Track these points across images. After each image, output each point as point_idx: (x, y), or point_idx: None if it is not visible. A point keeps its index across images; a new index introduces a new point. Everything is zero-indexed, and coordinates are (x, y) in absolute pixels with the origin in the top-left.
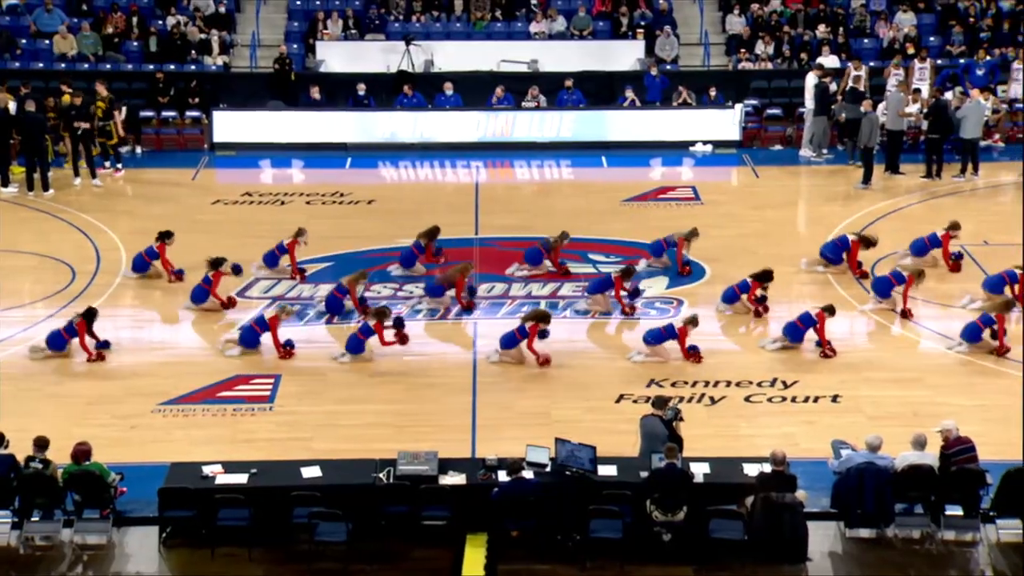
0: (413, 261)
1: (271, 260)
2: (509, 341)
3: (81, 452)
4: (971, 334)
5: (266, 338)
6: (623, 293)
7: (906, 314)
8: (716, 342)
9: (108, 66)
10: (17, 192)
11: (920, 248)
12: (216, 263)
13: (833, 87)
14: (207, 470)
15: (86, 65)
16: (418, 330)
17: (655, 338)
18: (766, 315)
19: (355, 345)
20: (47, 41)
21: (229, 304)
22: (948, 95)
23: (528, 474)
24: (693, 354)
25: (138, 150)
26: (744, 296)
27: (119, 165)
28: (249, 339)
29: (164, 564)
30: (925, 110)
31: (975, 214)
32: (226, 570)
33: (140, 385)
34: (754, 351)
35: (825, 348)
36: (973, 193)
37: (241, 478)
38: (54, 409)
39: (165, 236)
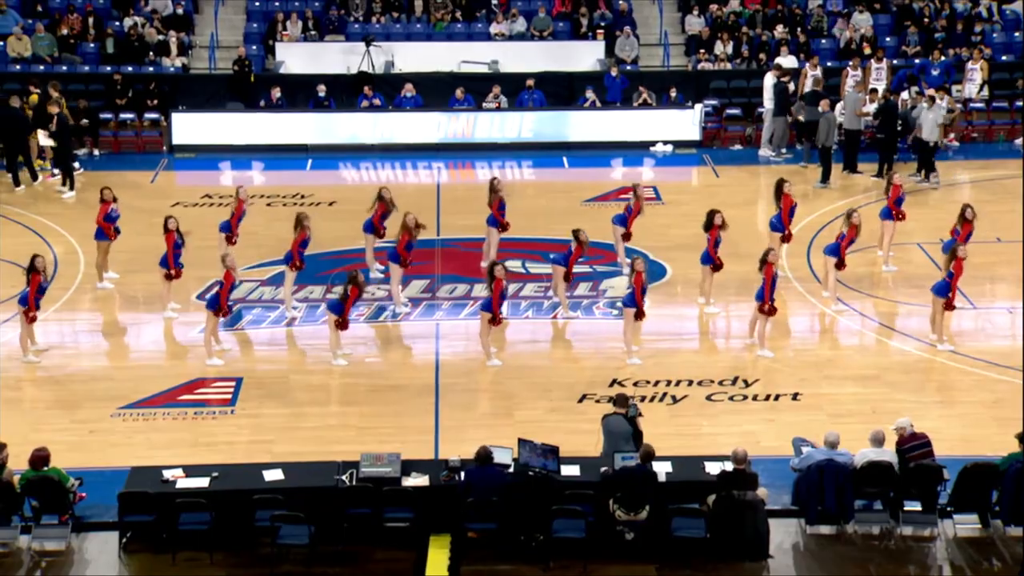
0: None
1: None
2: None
3: (39, 458)
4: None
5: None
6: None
7: (839, 265)
8: (677, 341)
9: (64, 68)
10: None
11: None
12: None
13: (792, 87)
14: (168, 474)
15: (41, 67)
16: (380, 332)
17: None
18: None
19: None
20: (0, 43)
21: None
22: (904, 95)
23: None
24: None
25: (95, 153)
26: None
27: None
28: (214, 302)
29: (124, 569)
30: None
31: (931, 212)
32: (187, 574)
33: (99, 389)
34: (715, 350)
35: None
36: (929, 192)
37: (202, 482)
38: (12, 415)
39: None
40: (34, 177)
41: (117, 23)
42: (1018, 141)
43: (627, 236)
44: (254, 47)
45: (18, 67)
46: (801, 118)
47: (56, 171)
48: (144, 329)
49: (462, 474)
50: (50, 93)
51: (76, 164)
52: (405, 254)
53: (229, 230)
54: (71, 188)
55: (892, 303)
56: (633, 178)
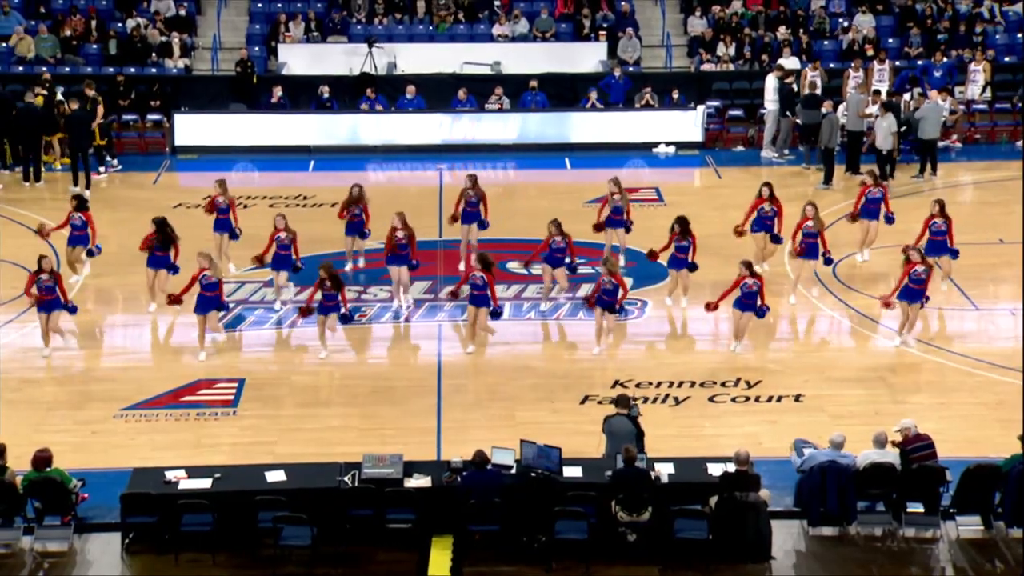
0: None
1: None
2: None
3: (41, 459)
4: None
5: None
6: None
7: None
8: (680, 342)
9: (67, 69)
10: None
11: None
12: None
13: (795, 88)
14: (170, 475)
15: (44, 68)
16: (382, 332)
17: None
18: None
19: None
20: (4, 44)
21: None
22: (906, 96)
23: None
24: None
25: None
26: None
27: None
28: (203, 304)
29: (127, 570)
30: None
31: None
32: (189, 575)
33: (101, 390)
34: (718, 351)
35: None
36: (932, 193)
37: (205, 483)
38: (14, 415)
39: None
40: (38, 178)
41: (120, 24)
42: (1020, 143)
43: (600, 227)
44: (256, 48)
45: (21, 68)
46: (799, 120)
47: (107, 168)
48: (146, 330)
49: (462, 476)
50: (85, 91)
51: (102, 168)
52: (396, 253)
53: (229, 228)
54: (75, 184)
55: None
56: (636, 179)
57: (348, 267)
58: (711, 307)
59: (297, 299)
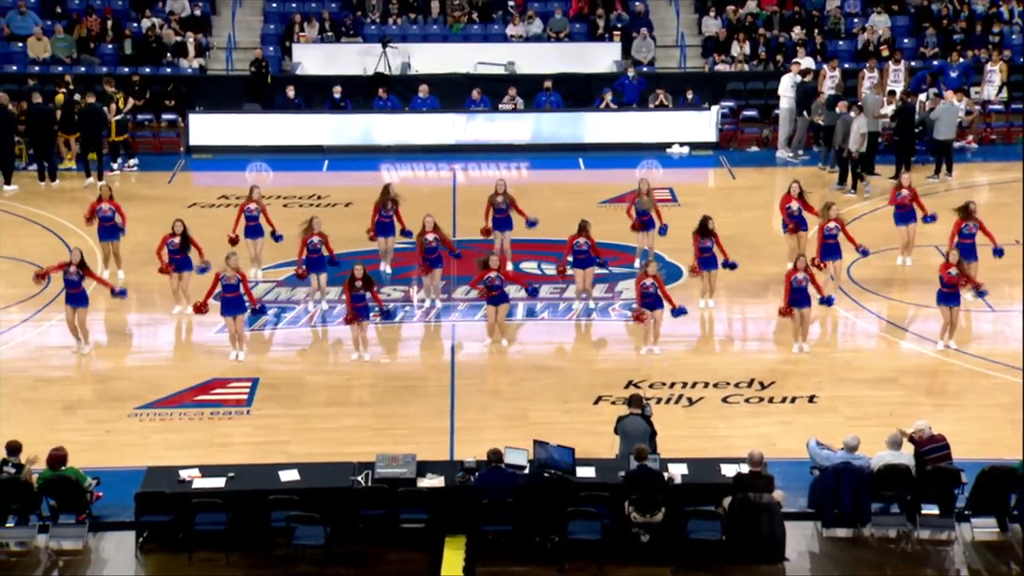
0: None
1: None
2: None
3: (56, 458)
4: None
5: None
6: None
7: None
8: (693, 343)
9: (82, 69)
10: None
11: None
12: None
13: (816, 87)
14: (184, 474)
15: (60, 68)
16: (396, 333)
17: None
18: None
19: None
20: (20, 44)
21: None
22: (922, 97)
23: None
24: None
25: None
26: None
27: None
28: (232, 306)
29: (141, 569)
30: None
31: (949, 214)
32: (203, 575)
33: (116, 389)
34: (732, 352)
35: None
36: (947, 194)
37: (218, 482)
38: (29, 414)
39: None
40: (53, 177)
41: (135, 24)
42: None
43: (635, 227)
44: (271, 48)
45: (37, 68)
46: (821, 121)
47: (122, 166)
48: (161, 329)
49: (475, 476)
50: (105, 88)
51: (115, 165)
52: (421, 258)
53: (261, 234)
54: (88, 176)
55: (909, 306)
56: (650, 179)
57: (383, 266)
58: (784, 312)
59: (313, 300)
